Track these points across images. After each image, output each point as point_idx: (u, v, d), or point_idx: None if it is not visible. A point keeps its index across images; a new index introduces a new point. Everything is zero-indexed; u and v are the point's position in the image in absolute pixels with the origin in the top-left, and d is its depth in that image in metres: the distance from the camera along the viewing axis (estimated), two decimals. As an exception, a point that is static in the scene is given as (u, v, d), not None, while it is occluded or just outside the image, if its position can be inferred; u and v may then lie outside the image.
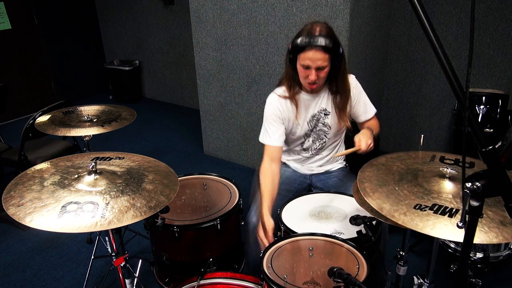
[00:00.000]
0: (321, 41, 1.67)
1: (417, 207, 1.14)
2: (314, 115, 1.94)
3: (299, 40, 1.71)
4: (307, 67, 1.73)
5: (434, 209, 1.13)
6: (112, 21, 5.46)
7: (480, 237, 1.04)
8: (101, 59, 5.74)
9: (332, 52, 1.70)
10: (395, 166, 1.36)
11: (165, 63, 5.15)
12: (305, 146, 2.02)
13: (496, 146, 2.29)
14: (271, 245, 1.52)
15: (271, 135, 1.91)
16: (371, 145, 1.77)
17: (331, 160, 2.09)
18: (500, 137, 2.36)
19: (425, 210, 1.13)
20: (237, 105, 3.44)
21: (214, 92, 3.55)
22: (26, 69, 4.97)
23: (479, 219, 1.01)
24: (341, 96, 1.89)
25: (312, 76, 1.73)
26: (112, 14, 5.40)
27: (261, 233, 1.72)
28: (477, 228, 1.02)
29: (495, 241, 1.04)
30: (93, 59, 5.65)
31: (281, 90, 1.91)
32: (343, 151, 1.79)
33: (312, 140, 1.99)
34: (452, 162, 1.39)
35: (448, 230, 1.06)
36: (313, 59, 1.70)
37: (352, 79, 1.94)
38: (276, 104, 1.90)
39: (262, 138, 1.96)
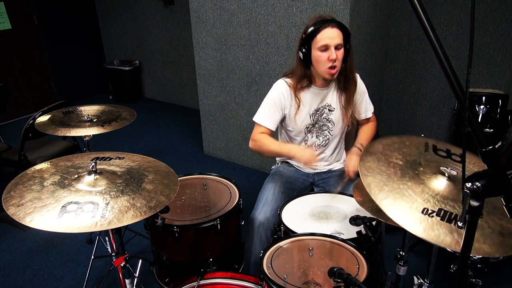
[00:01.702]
0: (335, 20, 1.77)
1: (424, 212, 1.11)
2: (318, 109, 1.95)
3: (312, 26, 1.77)
4: (325, 49, 1.76)
5: (441, 215, 1.10)
6: (112, 21, 5.46)
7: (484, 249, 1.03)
8: (101, 59, 5.74)
9: (345, 32, 1.78)
10: (394, 157, 1.31)
11: (165, 63, 5.15)
12: (309, 142, 2.02)
13: (496, 146, 2.29)
14: (271, 245, 1.52)
15: (268, 117, 1.94)
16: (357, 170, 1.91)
17: (333, 159, 2.11)
18: (500, 137, 2.36)
19: (432, 216, 1.10)
20: (237, 105, 3.44)
21: (214, 92, 3.55)
22: (26, 69, 4.97)
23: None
24: (346, 92, 1.93)
25: (333, 54, 1.76)
26: (112, 14, 5.40)
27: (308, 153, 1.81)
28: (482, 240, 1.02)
29: (497, 254, 1.03)
30: (93, 59, 5.65)
31: (290, 80, 1.93)
32: (338, 187, 1.93)
33: (316, 136, 2.00)
34: (445, 154, 1.38)
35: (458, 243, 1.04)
36: (331, 36, 1.75)
37: (357, 77, 1.98)
38: (283, 90, 1.92)
39: (258, 118, 1.96)
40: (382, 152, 1.34)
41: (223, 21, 3.21)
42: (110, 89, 5.50)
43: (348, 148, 2.10)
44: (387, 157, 1.32)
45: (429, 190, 1.20)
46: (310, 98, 1.93)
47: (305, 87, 1.91)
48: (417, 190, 1.19)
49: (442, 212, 1.11)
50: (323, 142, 2.02)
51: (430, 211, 1.11)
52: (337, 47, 1.76)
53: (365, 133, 2.07)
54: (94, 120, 2.20)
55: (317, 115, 1.96)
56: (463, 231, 0.84)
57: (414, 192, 1.18)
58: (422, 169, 1.28)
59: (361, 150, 1.98)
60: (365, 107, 2.05)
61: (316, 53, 1.78)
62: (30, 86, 5.04)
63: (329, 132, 2.00)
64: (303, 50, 1.81)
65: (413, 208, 1.12)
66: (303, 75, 1.87)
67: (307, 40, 1.78)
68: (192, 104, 5.05)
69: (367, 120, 2.09)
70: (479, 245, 1.04)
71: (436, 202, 1.15)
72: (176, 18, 4.76)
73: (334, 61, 1.77)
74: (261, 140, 1.94)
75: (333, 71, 1.80)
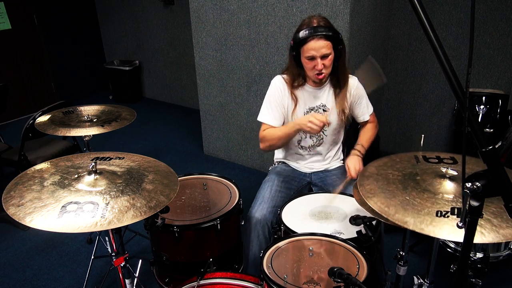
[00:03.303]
0: (321, 29, 1.73)
1: (439, 215, 1.12)
2: (313, 109, 1.96)
3: (300, 34, 1.76)
4: (312, 58, 1.77)
5: (455, 212, 1.12)
6: (112, 21, 5.46)
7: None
8: (101, 59, 5.73)
9: (333, 39, 1.75)
10: (390, 174, 1.35)
11: (165, 63, 5.15)
12: (302, 143, 2.03)
13: (496, 146, 2.29)
14: (271, 245, 1.52)
15: (271, 115, 1.95)
16: (360, 169, 1.87)
17: (329, 158, 2.11)
18: (500, 137, 2.36)
19: (448, 216, 1.11)
20: (237, 105, 3.44)
21: (214, 92, 3.55)
22: (26, 69, 4.97)
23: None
24: (340, 90, 1.93)
25: (319, 65, 1.77)
26: (112, 14, 5.39)
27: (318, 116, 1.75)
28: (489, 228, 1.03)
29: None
30: (93, 59, 5.65)
31: (287, 76, 1.94)
32: (340, 186, 1.91)
33: (310, 136, 2.00)
34: (436, 160, 1.41)
35: (482, 234, 1.05)
36: (316, 48, 1.74)
37: (354, 80, 1.98)
38: (280, 86, 1.94)
39: (261, 117, 1.98)
40: (377, 173, 1.38)
41: (223, 21, 3.21)
42: (110, 89, 5.50)
43: (349, 148, 2.10)
44: (384, 176, 1.35)
45: (434, 194, 1.21)
46: (304, 96, 1.95)
47: (301, 85, 1.93)
48: (424, 197, 1.21)
49: (456, 210, 1.13)
50: (317, 142, 2.03)
51: (444, 212, 1.12)
52: (324, 56, 1.76)
53: (366, 134, 2.07)
54: (94, 120, 2.20)
55: None
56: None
57: (422, 200, 1.20)
58: (420, 177, 1.30)
59: (361, 152, 1.97)
60: (363, 110, 2.05)
61: (304, 60, 1.81)
62: (30, 86, 5.04)
63: (323, 132, 2.00)
64: (294, 53, 1.82)
65: (427, 213, 1.13)
66: (298, 74, 1.89)
67: (295, 47, 1.80)
68: (192, 104, 5.05)
69: (366, 122, 2.10)
70: (504, 231, 1.05)
71: (446, 203, 1.17)
72: (176, 18, 4.76)
73: (321, 70, 1.78)
74: (267, 134, 1.94)
75: (320, 77, 1.83)
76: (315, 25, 1.75)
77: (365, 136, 2.06)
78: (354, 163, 1.90)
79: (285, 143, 2.02)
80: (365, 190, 1.28)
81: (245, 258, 1.95)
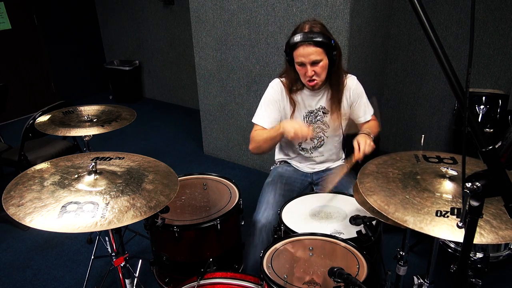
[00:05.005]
0: (310, 36, 1.70)
1: (439, 214, 1.12)
2: (312, 112, 1.95)
3: (291, 39, 1.75)
4: (302, 64, 1.76)
5: (455, 213, 1.12)
6: (112, 21, 5.46)
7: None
8: (101, 59, 5.74)
9: (323, 45, 1.72)
10: (390, 173, 1.35)
11: (165, 63, 5.15)
12: (303, 145, 2.03)
13: (496, 146, 2.29)
14: (271, 245, 1.52)
15: (264, 116, 1.93)
16: (371, 144, 1.77)
17: (331, 158, 2.11)
18: (500, 137, 2.36)
19: (447, 216, 1.11)
20: (237, 105, 3.44)
21: (214, 92, 3.55)
22: (26, 69, 4.97)
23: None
24: (335, 90, 1.91)
25: (308, 72, 1.76)
26: (112, 14, 5.40)
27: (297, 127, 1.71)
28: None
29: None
30: (93, 59, 5.65)
31: (285, 80, 1.93)
32: (332, 183, 1.88)
33: (310, 138, 2.00)
34: (437, 160, 1.41)
35: (481, 234, 1.05)
36: (305, 55, 1.73)
37: (352, 80, 1.96)
38: (278, 89, 1.92)
39: (255, 119, 1.95)
40: (377, 171, 1.38)
41: (223, 21, 3.21)
42: (110, 89, 5.50)
43: (349, 148, 2.09)
44: (384, 174, 1.35)
45: (434, 194, 1.22)
46: (303, 100, 1.94)
47: (299, 90, 1.92)
48: (423, 196, 1.21)
49: (455, 210, 1.13)
50: (318, 144, 2.02)
51: (443, 212, 1.13)
52: (314, 63, 1.74)
53: (368, 125, 2.01)
54: (94, 120, 2.20)
55: (311, 117, 1.96)
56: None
57: (422, 199, 1.20)
58: (420, 177, 1.30)
59: (369, 135, 1.86)
60: (364, 109, 2.00)
61: (296, 66, 1.80)
62: (30, 86, 5.04)
63: (323, 134, 2.00)
64: (288, 58, 1.82)
65: (427, 213, 1.13)
66: (295, 79, 1.88)
67: (288, 52, 1.79)
68: (192, 104, 5.05)
69: (367, 122, 2.06)
70: (504, 233, 1.05)
71: (446, 203, 1.17)
72: (176, 18, 4.76)
73: (311, 76, 1.77)
74: (255, 135, 1.93)
75: (312, 84, 1.82)
76: (306, 30, 1.72)
77: (368, 126, 1.98)
78: (363, 140, 1.77)
79: (272, 146, 1.97)
80: (365, 188, 1.28)
81: (246, 261, 1.94)
